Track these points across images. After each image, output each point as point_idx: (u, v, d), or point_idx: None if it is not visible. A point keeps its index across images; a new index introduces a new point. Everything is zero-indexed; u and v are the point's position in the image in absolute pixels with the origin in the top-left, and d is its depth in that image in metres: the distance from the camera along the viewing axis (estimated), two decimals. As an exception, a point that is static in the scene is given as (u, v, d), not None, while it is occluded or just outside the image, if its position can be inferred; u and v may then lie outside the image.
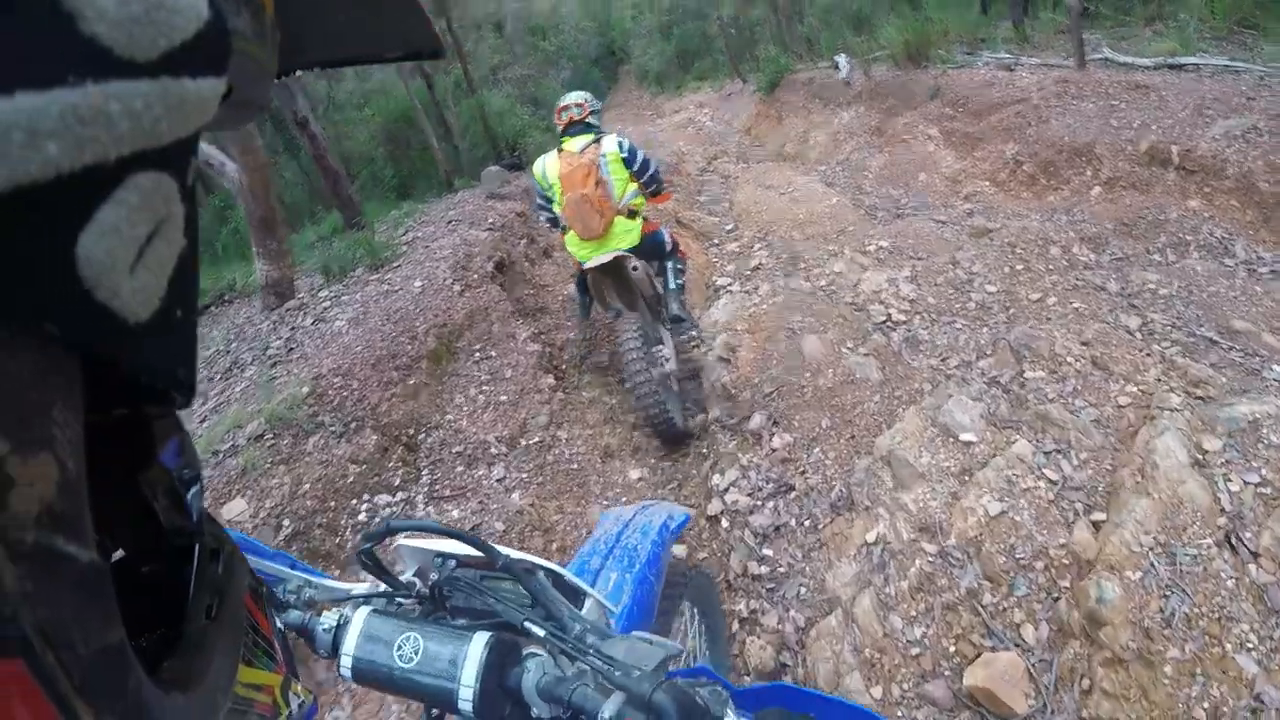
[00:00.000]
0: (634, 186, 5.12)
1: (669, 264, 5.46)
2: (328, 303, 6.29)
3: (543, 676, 1.12)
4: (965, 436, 4.07)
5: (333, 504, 4.29)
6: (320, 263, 7.07)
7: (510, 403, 5.31)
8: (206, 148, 6.69)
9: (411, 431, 4.98)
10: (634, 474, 4.97)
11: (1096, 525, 3.47)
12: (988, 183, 8.32)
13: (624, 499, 4.72)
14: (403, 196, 11.59)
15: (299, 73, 0.65)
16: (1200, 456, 3.56)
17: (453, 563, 1.34)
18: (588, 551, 2.22)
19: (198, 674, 0.39)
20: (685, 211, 9.24)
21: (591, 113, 5.24)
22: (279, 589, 1.27)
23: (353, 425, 4.74)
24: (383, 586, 1.36)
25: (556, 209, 5.14)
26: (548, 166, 5.09)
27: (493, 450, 4.92)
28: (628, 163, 5.04)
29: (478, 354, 5.74)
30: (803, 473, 4.43)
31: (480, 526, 4.35)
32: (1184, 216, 6.19)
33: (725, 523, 4.35)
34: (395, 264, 6.90)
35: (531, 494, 4.64)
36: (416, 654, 1.14)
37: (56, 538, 0.25)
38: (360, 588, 1.39)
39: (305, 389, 4.83)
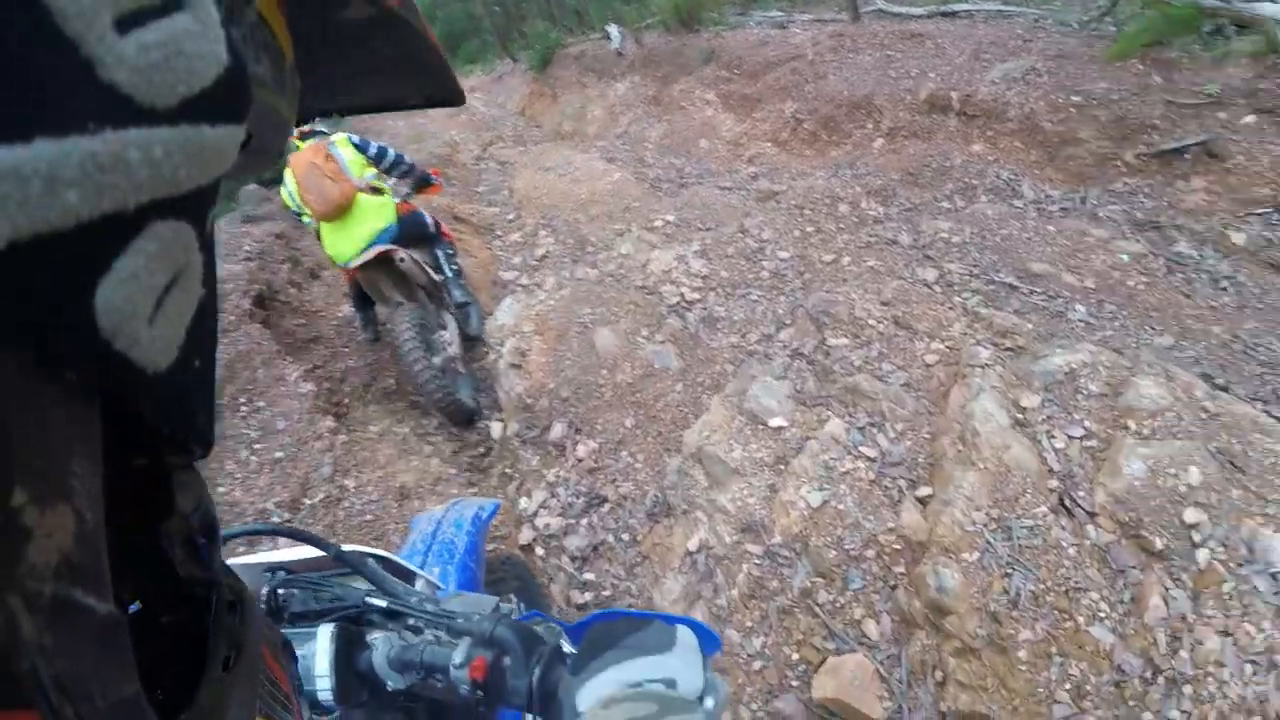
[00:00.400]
0: (372, 170, 5.09)
1: (439, 251, 5.45)
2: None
3: (391, 649, 1.15)
4: (775, 422, 3.80)
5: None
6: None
7: (288, 458, 4.71)
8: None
9: (177, 519, 4.35)
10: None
11: (924, 502, 3.26)
12: (770, 144, 8.19)
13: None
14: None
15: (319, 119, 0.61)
16: (1020, 416, 3.40)
17: (283, 572, 1.33)
18: (406, 555, 2.19)
19: None
20: (462, 205, 8.63)
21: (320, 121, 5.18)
22: None
23: (101, 532, 4.09)
24: None
25: (305, 214, 5.00)
26: (286, 179, 4.96)
27: (274, 519, 4.33)
28: (360, 148, 5.04)
29: (244, 408, 5.08)
30: (613, 481, 4.10)
31: (262, 608, 3.83)
32: (969, 161, 6.18)
33: (540, 550, 3.98)
34: (144, 315, 6.10)
35: (323, 559, 4.13)
36: None
37: (74, 589, 0.24)
38: None
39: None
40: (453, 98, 0.61)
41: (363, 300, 5.40)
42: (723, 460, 3.66)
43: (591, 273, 5.66)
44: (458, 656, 1.07)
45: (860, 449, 3.51)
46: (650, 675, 0.91)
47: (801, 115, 7.98)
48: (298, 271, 7.46)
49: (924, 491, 3.29)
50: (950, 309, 4.35)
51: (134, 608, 0.40)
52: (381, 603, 1.23)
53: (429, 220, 5.37)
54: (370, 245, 4.84)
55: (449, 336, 5.18)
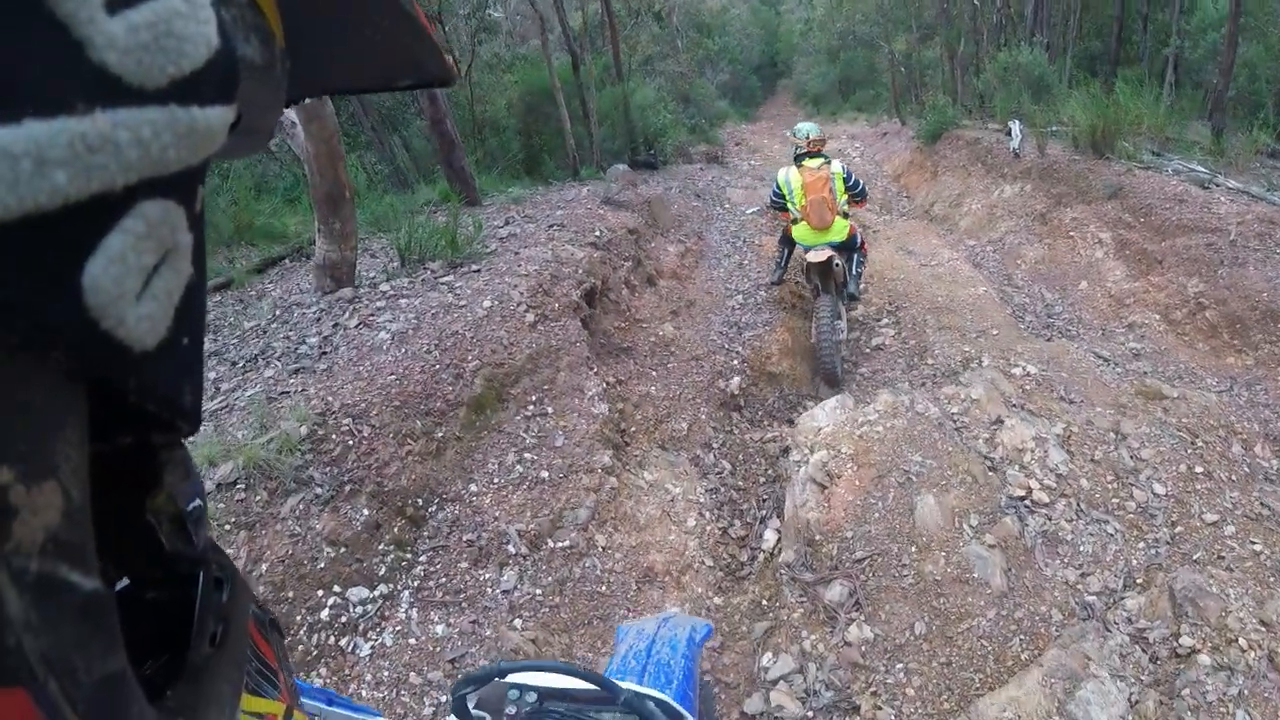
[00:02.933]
0: (845, 197, 6.68)
1: (855, 255, 6.85)
2: (382, 302, 5.11)
3: None
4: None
5: (291, 593, 3.20)
6: (402, 241, 5.93)
7: (551, 482, 4.13)
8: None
9: (420, 502, 3.81)
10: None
11: None
12: (1158, 316, 6.81)
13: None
14: (529, 172, 10.56)
15: (307, 100, 0.54)
16: None
17: (533, 695, 1.28)
18: (618, 670, 2.05)
19: (201, 703, 0.37)
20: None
21: (823, 143, 6.93)
22: None
23: (347, 488, 3.59)
24: None
25: (790, 205, 6.71)
26: (790, 176, 6.69)
27: (510, 548, 3.75)
28: (846, 180, 6.68)
29: (531, 408, 4.55)
30: (875, 694, 3.23)
31: (463, 659, 3.27)
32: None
33: (760, 733, 3.19)
34: (475, 267, 5.71)
35: (539, 623, 3.53)
36: None
37: (60, 566, 0.24)
38: None
39: (304, 429, 3.68)
40: (444, 77, 0.55)
41: (788, 243, 7.05)
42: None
43: (933, 410, 4.69)
44: None
45: None
46: None
47: (1206, 300, 6.54)
48: (638, 273, 6.97)
49: None
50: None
51: (121, 584, 0.38)
52: None
53: (860, 238, 6.89)
54: (823, 245, 6.41)
55: (842, 326, 6.39)
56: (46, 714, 0.22)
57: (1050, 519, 4.02)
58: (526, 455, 4.24)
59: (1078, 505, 4.12)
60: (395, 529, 3.64)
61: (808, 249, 6.48)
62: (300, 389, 4.06)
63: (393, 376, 4.18)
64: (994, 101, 12.73)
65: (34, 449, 0.23)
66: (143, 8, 0.24)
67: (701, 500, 4.65)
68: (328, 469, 3.61)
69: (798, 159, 6.74)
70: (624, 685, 1.28)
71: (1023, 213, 9.31)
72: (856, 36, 23.02)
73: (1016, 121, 10.92)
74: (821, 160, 6.66)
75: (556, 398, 4.67)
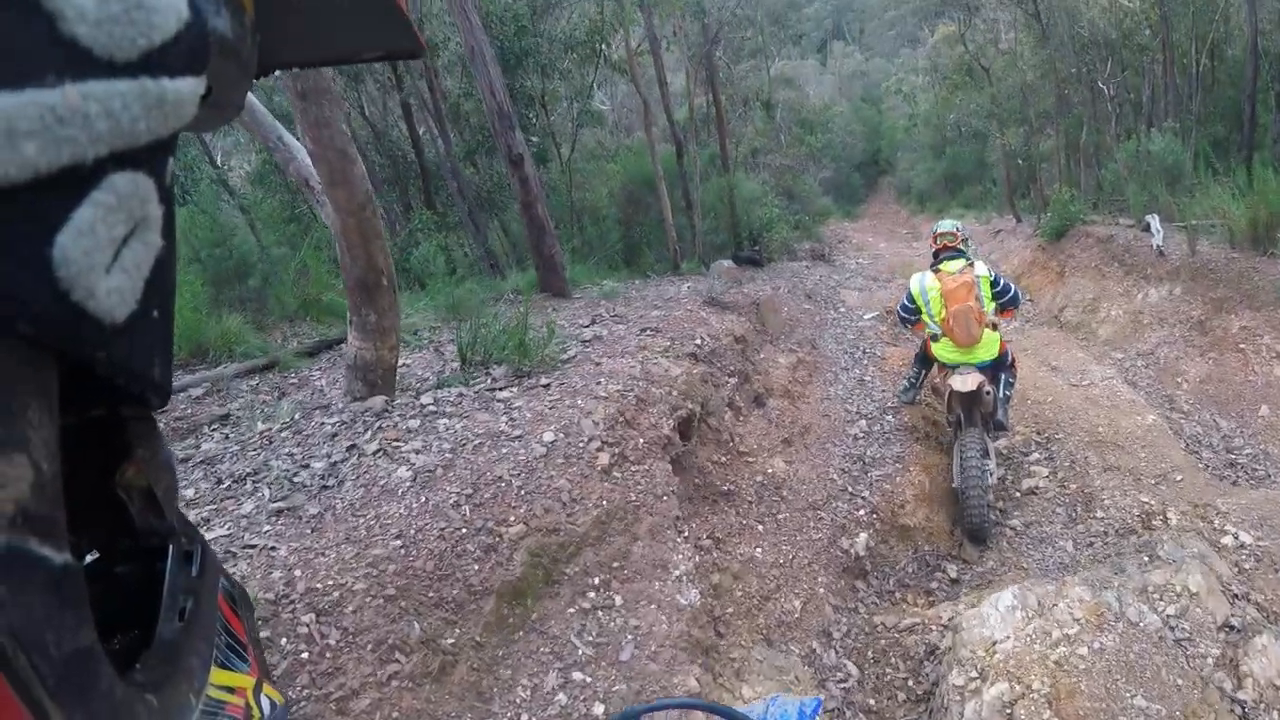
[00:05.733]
0: (993, 305, 5.34)
1: (1004, 376, 5.43)
2: (416, 421, 3.83)
3: None
4: None
5: None
6: (464, 339, 4.66)
7: (609, 725, 2.71)
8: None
9: (402, 764, 2.41)
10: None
11: None
12: (1377, 464, 5.08)
13: None
14: (627, 263, 9.39)
15: (278, 72, 0.52)
16: None
17: None
18: None
19: (170, 676, 0.35)
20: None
21: (963, 240, 5.74)
22: None
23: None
24: None
25: (928, 319, 5.40)
26: (927, 284, 5.40)
27: None
28: (994, 284, 5.35)
29: (592, 596, 3.13)
30: None
31: None
32: None
33: None
34: (544, 380, 4.38)
35: None
36: None
37: (30, 540, 0.23)
38: None
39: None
40: (412, 49, 0.54)
41: (925, 362, 5.74)
42: None
43: (1150, 618, 3.12)
44: None
45: None
46: None
47: None
48: (743, 392, 5.55)
49: None
50: None
51: (91, 558, 0.37)
52: None
53: (1010, 354, 5.49)
54: (973, 368, 5.10)
55: (992, 467, 5.02)
56: (16, 687, 0.21)
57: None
58: (576, 676, 2.81)
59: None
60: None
61: (951, 369, 5.23)
62: (270, 544, 2.78)
63: (398, 542, 2.84)
64: (1125, 194, 10.92)
65: (3, 422, 0.21)
66: None
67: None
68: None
69: (935, 263, 5.55)
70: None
71: (1175, 320, 7.56)
72: (965, 131, 21.28)
73: (1155, 216, 9.18)
74: (963, 262, 5.44)
75: (629, 580, 3.26)
